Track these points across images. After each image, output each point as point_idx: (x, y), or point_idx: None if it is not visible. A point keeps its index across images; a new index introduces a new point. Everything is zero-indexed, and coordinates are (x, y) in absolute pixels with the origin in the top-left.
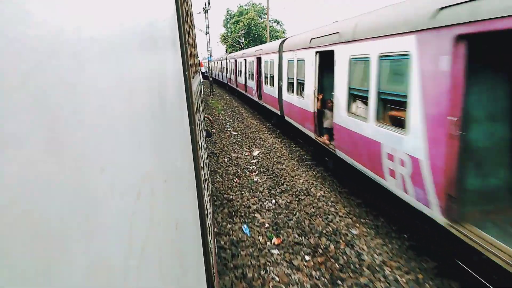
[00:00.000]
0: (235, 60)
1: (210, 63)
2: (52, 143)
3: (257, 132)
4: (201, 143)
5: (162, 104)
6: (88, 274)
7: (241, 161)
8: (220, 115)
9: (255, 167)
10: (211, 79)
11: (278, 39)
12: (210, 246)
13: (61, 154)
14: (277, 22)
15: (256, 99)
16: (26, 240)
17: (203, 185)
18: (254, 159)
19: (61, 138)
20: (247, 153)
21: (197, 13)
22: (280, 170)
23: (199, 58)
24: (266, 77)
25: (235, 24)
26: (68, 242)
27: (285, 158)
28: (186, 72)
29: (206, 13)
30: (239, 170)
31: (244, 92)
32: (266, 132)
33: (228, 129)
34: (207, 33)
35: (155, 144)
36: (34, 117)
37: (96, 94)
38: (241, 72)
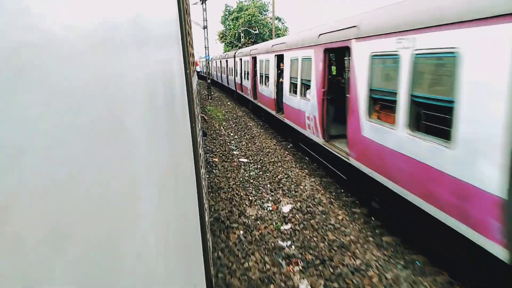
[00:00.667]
0: (253, 59)
1: (208, 62)
2: (81, 143)
3: (279, 162)
4: (200, 142)
5: (171, 104)
6: (104, 265)
7: (264, 228)
8: (222, 128)
9: (294, 248)
10: (209, 81)
11: (279, 37)
12: (209, 243)
13: (99, 155)
14: (279, 19)
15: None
16: (40, 234)
17: (202, 183)
18: (286, 223)
19: (94, 139)
20: (270, 207)
21: (193, 4)
22: (341, 255)
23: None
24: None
25: (235, 21)
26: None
27: (342, 223)
28: (188, 71)
29: (204, 4)
30: (264, 257)
31: (273, 112)
32: (292, 162)
33: (235, 152)
34: (205, 27)
35: (168, 141)
36: (50, 117)
37: (124, 97)
38: (266, 77)
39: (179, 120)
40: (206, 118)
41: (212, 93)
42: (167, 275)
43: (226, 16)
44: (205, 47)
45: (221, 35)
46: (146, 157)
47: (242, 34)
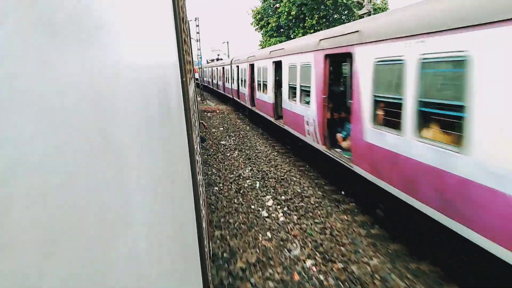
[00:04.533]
0: (251, 66)
1: (202, 70)
2: (74, 147)
3: (277, 168)
4: (197, 148)
5: (167, 110)
6: (97, 268)
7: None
8: (221, 137)
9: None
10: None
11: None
12: (206, 250)
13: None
14: None
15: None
16: (34, 237)
17: (199, 189)
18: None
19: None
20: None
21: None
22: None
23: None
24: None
25: None
26: (81, 240)
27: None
28: (184, 79)
29: (197, 20)
30: None
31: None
32: (295, 172)
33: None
34: (198, 40)
35: (163, 148)
36: (48, 119)
37: (117, 104)
38: (265, 84)
39: (175, 126)
40: (205, 124)
41: (204, 99)
42: (162, 281)
43: None
44: (198, 56)
45: (257, 16)
46: (138, 163)
47: (304, 13)
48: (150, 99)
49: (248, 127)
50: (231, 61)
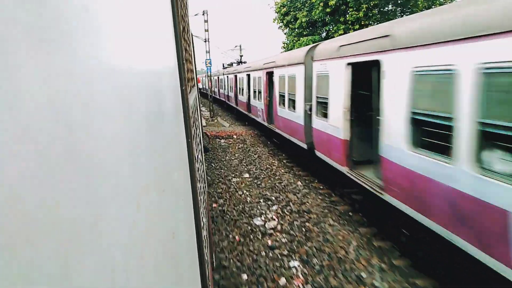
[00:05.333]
0: (269, 74)
1: (210, 78)
2: (52, 155)
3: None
4: (198, 156)
5: (159, 117)
6: (85, 283)
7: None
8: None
9: None
10: (211, 98)
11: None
12: (206, 258)
13: (61, 165)
14: None
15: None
16: (25, 247)
17: (199, 197)
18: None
19: (61, 150)
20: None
21: (194, 15)
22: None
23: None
24: None
25: None
26: (67, 251)
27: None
28: (183, 87)
29: (206, 15)
30: None
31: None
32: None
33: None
34: (206, 40)
35: (153, 156)
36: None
37: (97, 107)
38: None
39: (171, 135)
40: (208, 134)
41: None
42: None
43: None
44: (207, 61)
45: (281, 10)
46: (128, 170)
47: (346, 3)
48: (137, 106)
49: (296, 179)
50: (245, 69)
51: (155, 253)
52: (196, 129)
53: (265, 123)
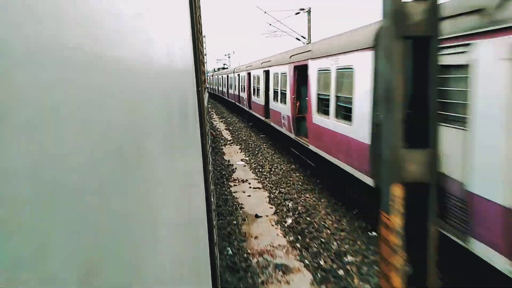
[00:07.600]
0: (297, 68)
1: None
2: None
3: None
4: (210, 158)
5: (185, 119)
6: (102, 270)
7: None
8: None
9: None
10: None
11: None
12: (217, 261)
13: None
14: None
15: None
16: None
17: (211, 199)
18: None
19: (114, 147)
20: None
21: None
22: None
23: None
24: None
25: None
26: (88, 250)
27: None
28: (200, 89)
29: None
30: None
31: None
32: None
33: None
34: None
35: (181, 161)
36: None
37: (145, 112)
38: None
39: (191, 135)
40: (214, 134)
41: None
42: None
43: None
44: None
45: None
46: (163, 176)
47: None
48: (172, 110)
49: None
50: (261, 64)
51: (185, 253)
52: (208, 130)
53: (292, 135)
